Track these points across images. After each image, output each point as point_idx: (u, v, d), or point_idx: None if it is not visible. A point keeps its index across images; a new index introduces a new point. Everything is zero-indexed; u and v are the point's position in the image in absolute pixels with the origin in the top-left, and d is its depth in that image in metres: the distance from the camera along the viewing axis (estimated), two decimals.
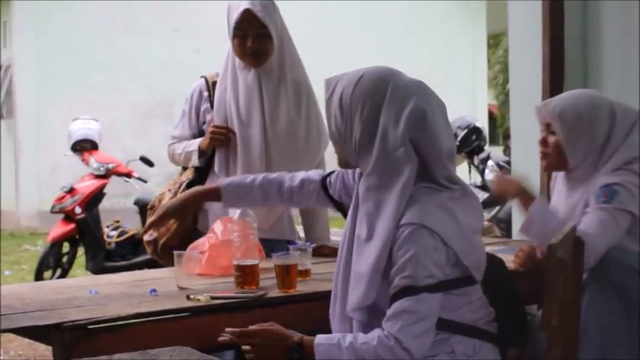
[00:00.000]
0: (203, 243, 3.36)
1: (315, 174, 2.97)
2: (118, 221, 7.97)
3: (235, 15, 3.55)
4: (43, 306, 2.74)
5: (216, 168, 3.64)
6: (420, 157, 2.35)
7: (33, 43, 13.28)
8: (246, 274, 2.99)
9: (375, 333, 2.30)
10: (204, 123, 3.71)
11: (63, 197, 7.66)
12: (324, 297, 2.92)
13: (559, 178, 3.36)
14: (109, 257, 7.70)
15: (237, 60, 3.64)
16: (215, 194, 3.03)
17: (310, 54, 14.13)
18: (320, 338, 2.34)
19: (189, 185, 3.64)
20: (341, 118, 2.41)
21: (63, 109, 12.39)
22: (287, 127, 3.60)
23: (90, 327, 2.50)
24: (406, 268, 2.28)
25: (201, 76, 3.81)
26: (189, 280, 3.03)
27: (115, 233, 7.78)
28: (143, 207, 8.10)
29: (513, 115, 4.99)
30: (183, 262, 3.08)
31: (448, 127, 2.42)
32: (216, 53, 14.15)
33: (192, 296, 2.77)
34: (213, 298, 2.76)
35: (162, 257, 3.68)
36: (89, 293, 2.95)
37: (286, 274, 2.94)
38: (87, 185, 7.74)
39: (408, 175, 2.33)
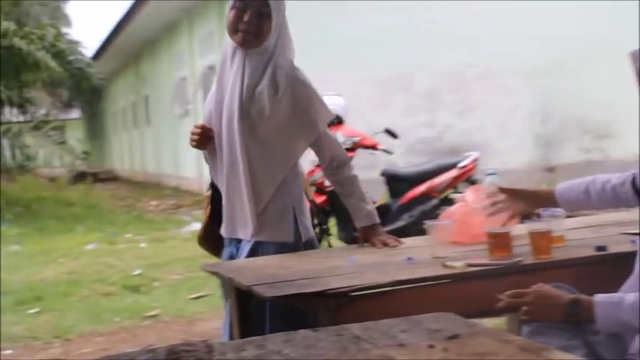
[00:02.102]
0: (454, 211, 3.41)
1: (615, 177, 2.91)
2: (366, 192, 8.14)
3: None
4: (306, 274, 2.89)
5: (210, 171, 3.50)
6: None
7: None
8: (499, 242, 3.00)
9: None
10: None
11: (313, 171, 7.94)
12: (579, 263, 2.89)
13: None
14: None
15: (229, 45, 3.28)
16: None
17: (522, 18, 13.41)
18: (599, 297, 2.32)
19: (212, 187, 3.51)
20: None
21: None
22: (268, 117, 3.24)
23: (352, 294, 2.61)
24: None
25: None
26: (443, 248, 3.09)
27: None
28: (389, 178, 8.28)
29: None
30: (437, 230, 3.14)
31: None
32: (452, 24, 14.12)
33: (447, 264, 2.82)
34: (469, 265, 2.80)
35: (204, 246, 3.70)
36: (348, 262, 3.07)
37: (541, 241, 2.92)
38: None
39: None
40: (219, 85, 3.29)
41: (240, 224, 3.35)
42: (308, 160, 8.68)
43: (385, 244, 3.36)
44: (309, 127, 3.33)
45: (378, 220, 3.48)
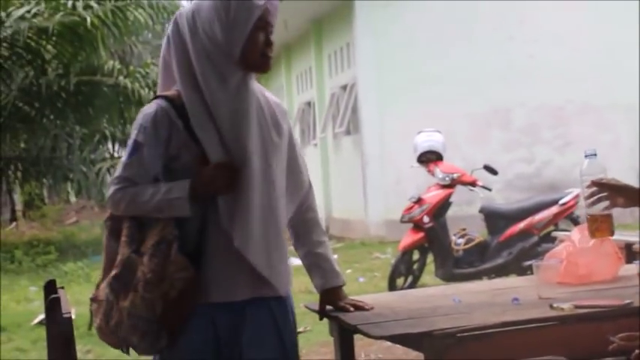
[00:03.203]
0: (561, 251, 3.38)
1: None
2: (464, 229, 8.13)
3: (260, 3, 2.68)
4: (411, 314, 2.90)
5: (223, 221, 2.68)
6: None
7: (374, 61, 13.88)
8: None
9: None
10: (173, 159, 2.69)
11: (411, 207, 7.94)
12: None
13: None
14: (457, 264, 7.89)
15: (225, 70, 2.69)
16: None
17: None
18: None
19: (183, 245, 2.66)
20: None
21: (403, 122, 12.84)
22: (281, 155, 2.82)
23: (459, 335, 2.61)
24: None
25: (159, 96, 2.75)
26: (550, 288, 3.05)
27: (462, 241, 7.95)
28: (488, 214, 8.21)
29: None
30: (543, 270, 3.11)
31: None
32: (550, 59, 13.88)
33: (555, 305, 2.79)
34: (577, 307, 2.76)
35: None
36: (453, 302, 3.07)
37: None
38: (434, 195, 7.98)
39: None
40: (218, 116, 2.67)
41: (273, 278, 2.76)
42: (403, 195, 8.72)
43: (357, 307, 2.95)
44: (303, 167, 2.93)
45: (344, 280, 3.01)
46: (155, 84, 16.38)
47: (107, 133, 17.27)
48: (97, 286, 2.78)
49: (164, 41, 2.81)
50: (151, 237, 2.68)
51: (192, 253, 2.68)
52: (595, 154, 2.96)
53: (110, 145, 18.53)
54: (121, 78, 15.21)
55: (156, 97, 2.76)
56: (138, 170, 2.70)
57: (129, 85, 15.03)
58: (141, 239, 2.70)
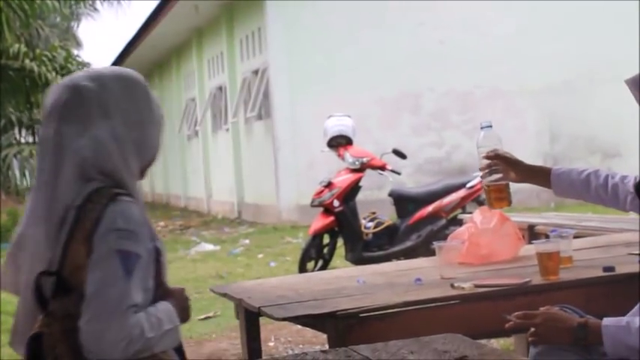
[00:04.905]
0: (463, 232, 3.43)
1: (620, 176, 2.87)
2: (374, 213, 8.18)
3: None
4: (315, 296, 2.92)
5: None
6: None
7: (285, 46, 13.87)
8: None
9: None
10: None
11: (322, 191, 7.96)
12: (587, 284, 2.91)
13: None
14: (367, 248, 7.94)
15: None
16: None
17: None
18: (607, 320, 2.33)
19: None
20: None
21: (315, 107, 12.87)
22: None
23: (361, 315, 2.63)
24: None
25: (120, 193, 2.11)
26: (451, 268, 3.11)
27: (371, 224, 8.01)
28: (397, 198, 8.29)
29: None
30: (445, 251, 3.16)
31: None
32: (460, 44, 14.09)
33: (456, 285, 2.84)
34: (477, 286, 2.81)
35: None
36: (357, 283, 3.10)
37: (549, 262, 2.94)
38: (343, 179, 8.02)
39: None
40: None
41: None
42: (315, 180, 8.74)
43: None
44: None
45: None
46: (62, 67, 16.12)
47: (13, 118, 16.89)
48: None
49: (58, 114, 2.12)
50: None
51: None
52: (490, 126, 3.01)
53: (17, 131, 18.13)
54: (27, 61, 14.87)
55: (116, 194, 2.07)
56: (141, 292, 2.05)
57: (35, 68, 14.71)
58: None
